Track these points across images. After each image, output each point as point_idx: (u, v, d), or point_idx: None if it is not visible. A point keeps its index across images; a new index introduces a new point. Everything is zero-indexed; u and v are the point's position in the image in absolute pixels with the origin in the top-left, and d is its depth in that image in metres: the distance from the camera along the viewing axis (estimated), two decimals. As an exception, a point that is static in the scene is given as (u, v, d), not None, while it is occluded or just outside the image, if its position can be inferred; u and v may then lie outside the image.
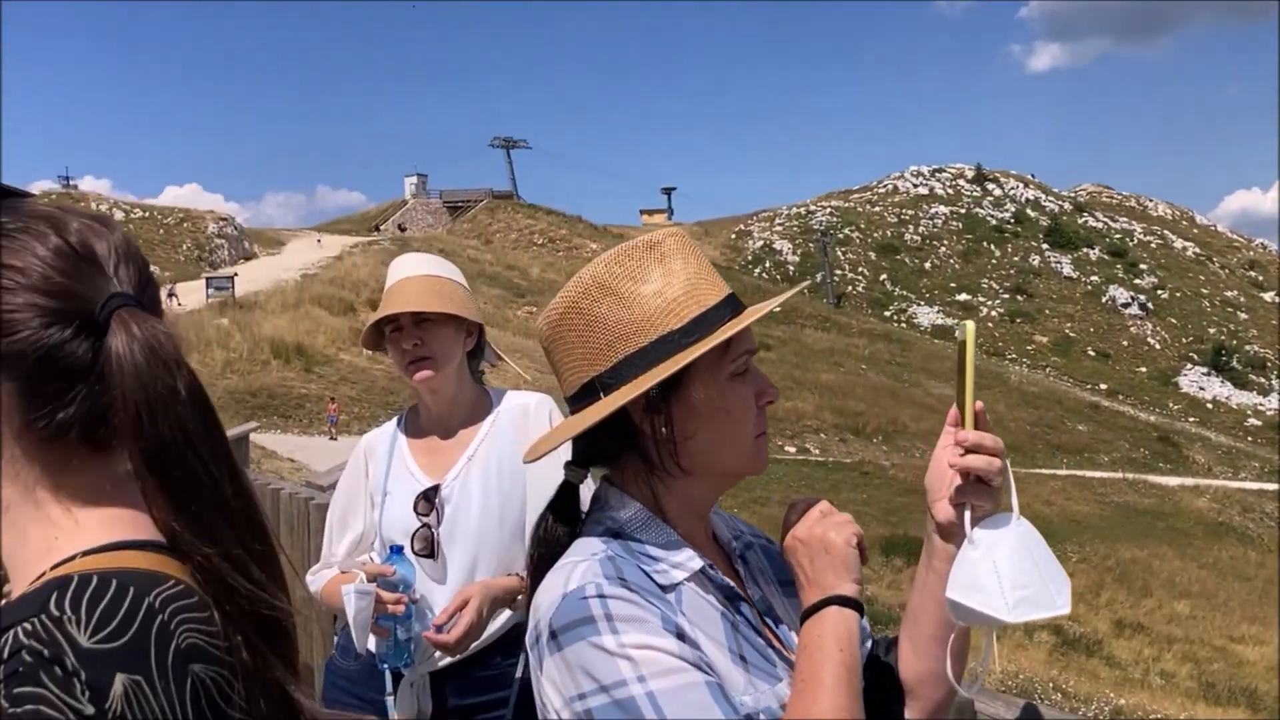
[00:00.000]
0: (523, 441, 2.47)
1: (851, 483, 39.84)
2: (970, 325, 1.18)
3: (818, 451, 43.27)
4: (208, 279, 53.03)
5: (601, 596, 1.10)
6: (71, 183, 79.31)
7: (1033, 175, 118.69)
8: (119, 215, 72.69)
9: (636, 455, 1.25)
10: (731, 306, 1.24)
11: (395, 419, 2.66)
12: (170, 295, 54.86)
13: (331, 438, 34.24)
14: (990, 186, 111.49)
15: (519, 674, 2.06)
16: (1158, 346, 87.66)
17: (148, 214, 73.97)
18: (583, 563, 1.16)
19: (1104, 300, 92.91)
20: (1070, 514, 35.79)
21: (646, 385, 1.17)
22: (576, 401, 1.26)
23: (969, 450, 1.17)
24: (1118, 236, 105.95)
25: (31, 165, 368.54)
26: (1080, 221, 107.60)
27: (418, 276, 2.48)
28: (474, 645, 2.36)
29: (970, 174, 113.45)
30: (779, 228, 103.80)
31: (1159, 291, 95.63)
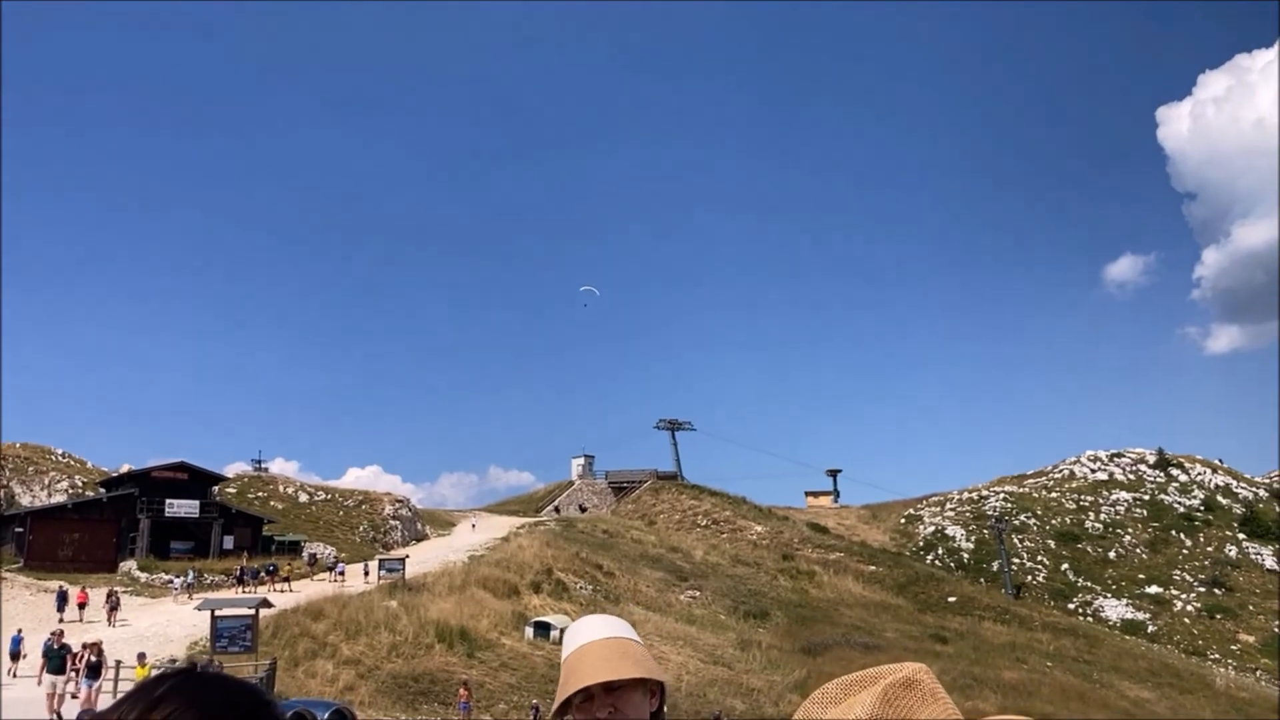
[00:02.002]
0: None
1: (1043, 798, 36.52)
2: None
3: (1003, 760, 39.94)
4: (380, 560, 54.59)
5: None
6: (263, 465, 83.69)
7: (1220, 460, 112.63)
8: (303, 498, 76.59)
9: None
10: None
11: None
12: (330, 568, 56.87)
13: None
14: (1175, 472, 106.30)
15: None
16: (1385, 649, 79.07)
17: (329, 496, 77.62)
18: None
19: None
20: None
21: None
22: None
23: None
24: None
25: (231, 448, 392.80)
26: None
27: (602, 640, 2.45)
28: None
29: (1152, 459, 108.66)
30: (950, 512, 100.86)
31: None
